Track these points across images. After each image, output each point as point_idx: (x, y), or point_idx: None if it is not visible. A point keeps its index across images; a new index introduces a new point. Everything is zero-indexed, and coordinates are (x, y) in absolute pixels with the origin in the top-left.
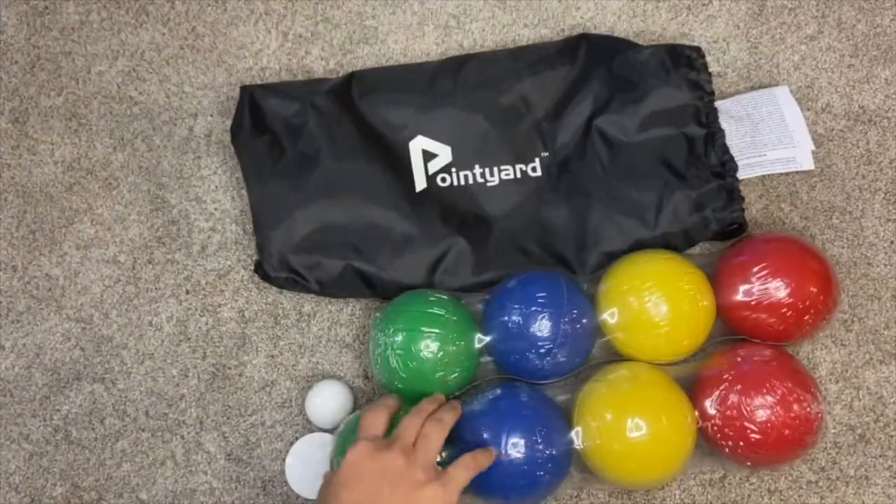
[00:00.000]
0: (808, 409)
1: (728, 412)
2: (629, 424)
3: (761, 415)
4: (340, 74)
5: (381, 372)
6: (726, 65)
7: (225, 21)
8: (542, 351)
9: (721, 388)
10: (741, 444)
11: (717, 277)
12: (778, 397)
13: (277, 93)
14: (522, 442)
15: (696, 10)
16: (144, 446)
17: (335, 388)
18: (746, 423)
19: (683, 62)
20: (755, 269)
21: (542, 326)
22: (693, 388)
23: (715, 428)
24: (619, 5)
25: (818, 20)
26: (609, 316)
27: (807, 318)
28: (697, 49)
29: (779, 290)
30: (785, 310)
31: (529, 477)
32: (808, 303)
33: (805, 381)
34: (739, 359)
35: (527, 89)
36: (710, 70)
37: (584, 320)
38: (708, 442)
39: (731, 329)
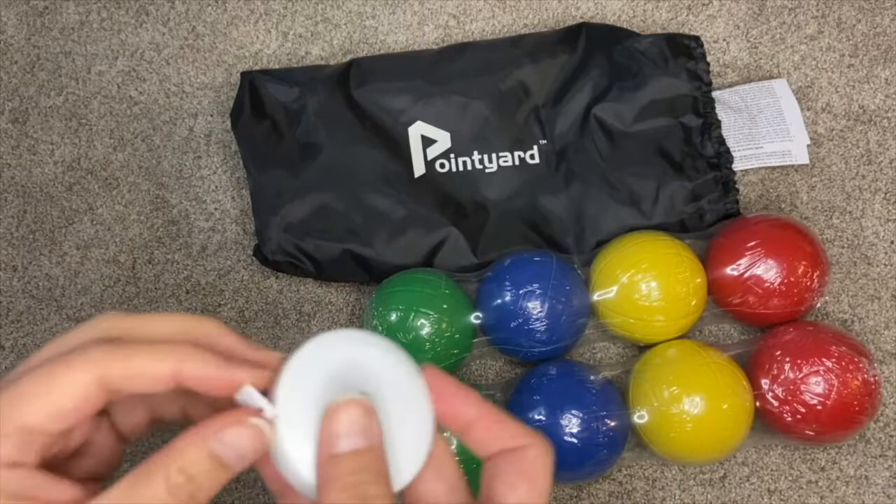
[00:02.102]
0: (866, 373)
1: (785, 385)
2: (690, 401)
3: (818, 382)
4: None
5: None
6: (726, 65)
7: (225, 21)
8: (534, 329)
9: (775, 362)
10: (801, 414)
11: (709, 257)
12: (833, 363)
13: (277, 79)
14: (579, 419)
15: (696, 10)
16: (144, 447)
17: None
18: (805, 394)
19: (682, 51)
20: (746, 247)
21: (534, 305)
22: (747, 366)
23: (775, 400)
24: (618, 5)
25: (818, 20)
26: (601, 295)
27: (796, 292)
28: (696, 38)
29: (769, 267)
30: (775, 286)
31: (586, 453)
32: (796, 279)
33: (858, 346)
34: (789, 335)
35: (526, 76)
36: (710, 70)
37: (576, 299)
38: (766, 418)
39: (723, 308)
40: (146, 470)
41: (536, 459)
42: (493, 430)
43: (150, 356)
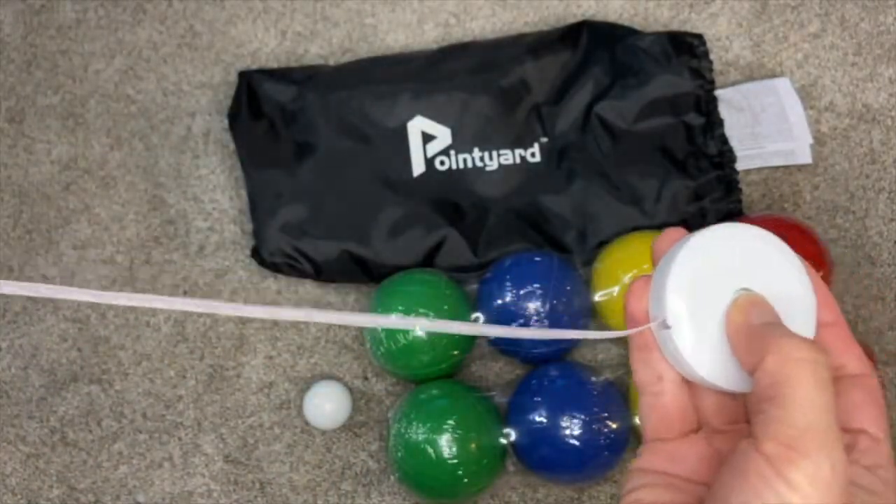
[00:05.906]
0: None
1: None
2: None
3: None
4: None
5: (375, 352)
6: (729, 63)
7: (223, 19)
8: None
9: None
10: None
11: None
12: None
13: (275, 78)
14: (580, 420)
15: (699, 8)
16: (142, 448)
17: (334, 390)
18: None
19: (685, 49)
20: None
21: (534, 305)
22: None
23: None
24: (620, 3)
25: (821, 18)
26: (603, 295)
27: None
28: (699, 37)
29: None
30: None
31: (587, 455)
32: None
33: (867, 350)
34: None
35: (527, 73)
36: (713, 68)
37: (577, 299)
38: None
39: None
40: None
41: (878, 390)
42: (841, 345)
43: None
